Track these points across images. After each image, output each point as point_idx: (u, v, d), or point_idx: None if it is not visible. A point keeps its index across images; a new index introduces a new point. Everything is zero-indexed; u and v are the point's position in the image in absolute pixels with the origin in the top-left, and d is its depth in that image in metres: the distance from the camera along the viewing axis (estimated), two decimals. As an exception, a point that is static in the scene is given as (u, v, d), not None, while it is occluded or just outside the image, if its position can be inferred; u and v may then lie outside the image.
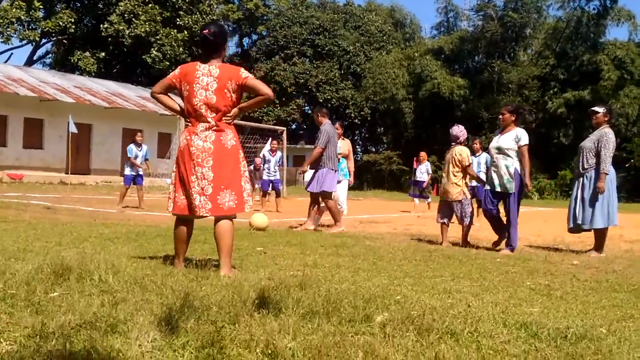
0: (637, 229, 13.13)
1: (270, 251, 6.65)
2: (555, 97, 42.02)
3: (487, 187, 8.23)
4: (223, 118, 4.84)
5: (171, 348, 2.68)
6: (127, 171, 14.48)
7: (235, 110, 4.91)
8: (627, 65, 40.26)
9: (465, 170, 8.60)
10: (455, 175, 8.59)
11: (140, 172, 14.51)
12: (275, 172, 15.82)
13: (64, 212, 12.02)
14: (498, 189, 8.02)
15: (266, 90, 4.91)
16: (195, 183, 4.72)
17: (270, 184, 15.91)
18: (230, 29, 55.18)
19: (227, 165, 4.78)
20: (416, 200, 18.30)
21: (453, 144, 8.84)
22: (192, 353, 2.64)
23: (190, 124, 4.90)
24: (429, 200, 18.09)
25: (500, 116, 8.26)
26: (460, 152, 8.64)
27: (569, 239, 10.01)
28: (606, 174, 7.93)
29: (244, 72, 4.93)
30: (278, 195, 16.19)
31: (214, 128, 4.80)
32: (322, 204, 10.05)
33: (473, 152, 13.25)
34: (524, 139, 7.99)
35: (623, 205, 28.78)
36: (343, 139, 11.46)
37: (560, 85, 42.56)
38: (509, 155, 7.97)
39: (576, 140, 41.65)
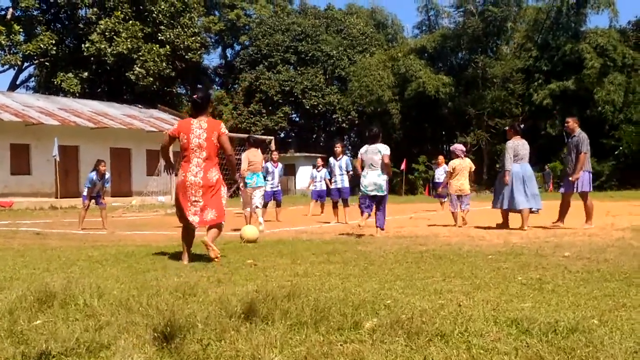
0: (628, 217, 13.13)
1: (261, 263, 6.59)
2: (540, 89, 42.19)
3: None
4: (209, 157, 6.80)
5: (155, 370, 2.63)
6: (85, 192, 14.21)
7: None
8: (610, 52, 40.44)
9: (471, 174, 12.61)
10: (467, 178, 12.43)
11: (100, 194, 14.21)
12: (278, 184, 15.52)
13: (54, 237, 11.91)
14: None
15: (229, 149, 6.88)
16: (190, 205, 6.82)
17: (273, 195, 15.51)
18: (213, 40, 55.24)
19: (210, 193, 6.83)
20: (444, 199, 18.25)
21: (463, 156, 12.58)
22: (176, 374, 2.59)
23: (184, 161, 6.81)
24: (445, 199, 18.13)
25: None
26: (471, 163, 12.67)
27: (560, 231, 10.02)
28: (508, 170, 10.81)
29: (223, 128, 6.89)
30: (279, 205, 15.97)
31: (202, 165, 6.75)
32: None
33: (335, 156, 14.60)
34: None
35: (614, 192, 28.91)
36: (256, 150, 12.67)
37: (545, 77, 42.73)
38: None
39: (564, 130, 41.89)
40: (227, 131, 6.91)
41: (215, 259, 6.66)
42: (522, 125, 11.79)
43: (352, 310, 3.64)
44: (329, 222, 14.06)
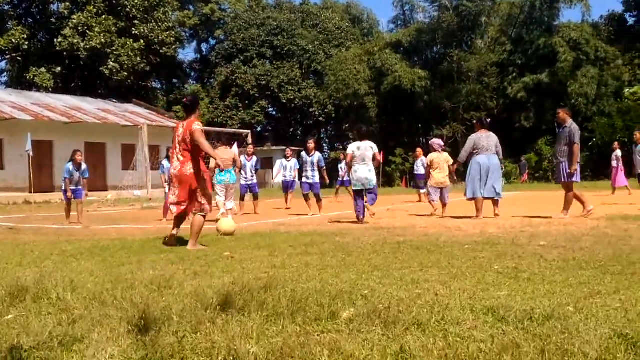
0: (603, 207, 13.29)
1: (239, 255, 6.55)
2: (515, 82, 42.55)
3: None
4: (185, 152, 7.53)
5: (129, 363, 2.59)
6: (63, 187, 13.97)
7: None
8: (583, 46, 40.88)
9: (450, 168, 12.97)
10: (447, 172, 12.89)
11: (79, 187, 13.98)
12: (252, 176, 15.66)
13: (28, 231, 11.74)
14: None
15: (205, 146, 7.55)
16: (172, 195, 7.83)
17: (248, 188, 15.78)
18: (187, 35, 54.77)
19: (186, 186, 7.54)
20: (422, 190, 18.47)
21: (440, 150, 13.10)
22: (151, 366, 2.56)
23: (171, 157, 7.92)
24: (424, 190, 18.24)
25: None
26: (448, 157, 13.16)
27: (536, 221, 10.11)
28: (459, 161, 11.86)
29: (195, 125, 7.50)
30: (256, 198, 16.04)
31: (180, 159, 7.54)
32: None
33: (307, 152, 14.77)
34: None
35: (589, 183, 29.23)
36: (226, 148, 13.52)
37: (519, 70, 43.11)
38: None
39: (538, 123, 42.33)
40: (199, 127, 7.51)
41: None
42: (488, 120, 12.92)
43: (329, 301, 3.62)
44: (306, 215, 14.04)
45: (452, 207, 13.43)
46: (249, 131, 28.47)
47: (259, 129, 51.44)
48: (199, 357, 2.65)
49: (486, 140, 11.46)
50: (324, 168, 14.95)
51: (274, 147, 46.66)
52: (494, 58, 43.83)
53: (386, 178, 40.82)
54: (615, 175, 19.67)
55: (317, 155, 14.76)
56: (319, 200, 14.57)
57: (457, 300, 3.76)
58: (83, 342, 2.83)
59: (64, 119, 30.57)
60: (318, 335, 2.97)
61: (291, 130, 55.27)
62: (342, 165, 21.93)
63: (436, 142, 13.41)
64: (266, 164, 45.30)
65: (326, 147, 54.80)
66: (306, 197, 14.88)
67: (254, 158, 15.95)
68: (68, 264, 6.08)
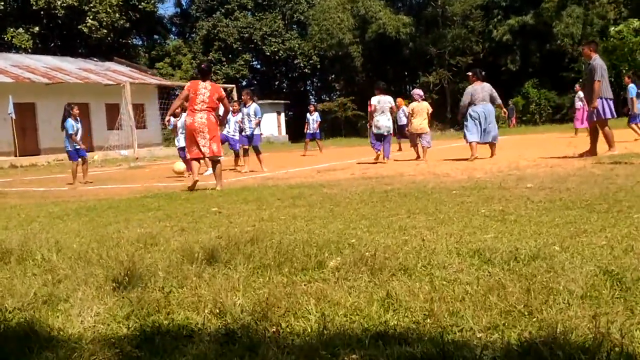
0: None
1: (226, 210, 6.52)
2: (500, 25, 42.19)
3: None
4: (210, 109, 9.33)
5: (115, 320, 2.58)
6: (70, 147, 13.56)
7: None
8: (568, -15, 40.43)
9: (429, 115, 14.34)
10: (426, 119, 14.12)
11: (79, 146, 13.65)
12: (235, 131, 14.72)
13: (14, 195, 11.66)
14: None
15: (227, 105, 10.01)
16: (200, 140, 9.22)
17: (249, 140, 14.27)
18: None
19: (213, 130, 9.35)
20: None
21: (420, 100, 14.26)
22: (137, 322, 2.54)
23: (192, 111, 9.28)
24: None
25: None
26: (428, 106, 14.42)
27: (523, 164, 10.14)
28: (462, 113, 12.83)
29: (222, 91, 9.65)
30: (245, 153, 14.50)
31: (206, 111, 9.25)
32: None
33: (244, 104, 14.38)
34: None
35: (568, 125, 29.20)
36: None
37: (504, 12, 42.73)
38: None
39: (524, 65, 42.17)
40: (224, 94, 9.70)
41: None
42: (483, 72, 13.10)
43: (316, 251, 3.61)
44: (254, 171, 13.37)
45: (444, 152, 13.45)
46: (233, 86, 28.14)
47: (244, 83, 50.92)
48: (185, 311, 2.64)
49: (481, 91, 12.51)
50: (259, 118, 14.16)
51: (260, 102, 46.26)
52: (479, 0, 43.32)
53: (374, 127, 40.69)
54: (581, 116, 18.55)
55: (253, 107, 14.05)
56: (258, 153, 13.98)
57: (444, 244, 3.77)
58: (68, 302, 2.81)
59: (45, 80, 30.12)
60: (304, 284, 2.97)
61: (277, 83, 54.80)
62: (315, 118, 21.95)
63: (416, 92, 14.72)
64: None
65: (313, 99, 54.46)
66: (245, 152, 14.25)
67: (252, 105, 14.31)
68: (54, 225, 6.04)
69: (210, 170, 12.25)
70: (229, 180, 10.99)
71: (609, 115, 10.60)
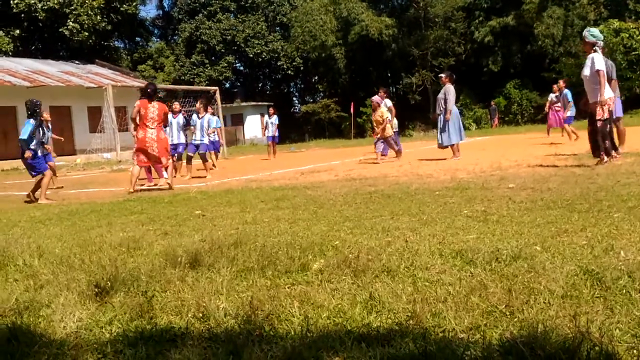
0: (570, 146, 13.45)
1: (210, 213, 6.51)
2: (481, 26, 42.40)
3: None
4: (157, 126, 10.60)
5: (98, 325, 2.57)
6: (40, 153, 12.89)
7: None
8: (548, -14, 40.75)
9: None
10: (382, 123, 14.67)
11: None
12: (202, 136, 13.93)
13: (-5, 200, 11.55)
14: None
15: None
16: (150, 152, 10.49)
17: (197, 149, 14.03)
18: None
19: (162, 145, 10.65)
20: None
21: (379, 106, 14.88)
22: (120, 327, 2.53)
23: (144, 125, 10.54)
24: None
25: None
26: (382, 111, 14.73)
27: (505, 164, 10.21)
28: (450, 110, 13.08)
29: (166, 108, 11.14)
30: (189, 161, 14.15)
31: (155, 129, 10.55)
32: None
33: (197, 114, 14.33)
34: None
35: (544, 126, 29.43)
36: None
37: (485, 14, 42.94)
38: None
39: (506, 66, 42.43)
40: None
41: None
42: (454, 76, 14.13)
43: (299, 253, 3.62)
44: (205, 177, 13.14)
45: (424, 153, 13.49)
46: (216, 88, 28.01)
47: (227, 85, 50.82)
48: (168, 316, 2.63)
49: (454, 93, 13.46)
50: (214, 129, 14.83)
51: (244, 104, 46.22)
52: (460, 2, 43.50)
53: (357, 129, 40.78)
54: (555, 116, 18.73)
55: (206, 118, 14.15)
56: (204, 160, 13.89)
57: (427, 245, 3.79)
58: (50, 307, 2.80)
59: (26, 83, 29.82)
60: (288, 287, 2.97)
61: (260, 85, 54.71)
62: (273, 121, 20.75)
63: (373, 99, 15.51)
64: (236, 120, 44.97)
65: (296, 101, 54.46)
66: (188, 160, 14.03)
67: (206, 116, 14.35)
68: (36, 229, 6.00)
69: (162, 181, 11.31)
70: (210, 184, 10.98)
71: (619, 114, 10.29)
